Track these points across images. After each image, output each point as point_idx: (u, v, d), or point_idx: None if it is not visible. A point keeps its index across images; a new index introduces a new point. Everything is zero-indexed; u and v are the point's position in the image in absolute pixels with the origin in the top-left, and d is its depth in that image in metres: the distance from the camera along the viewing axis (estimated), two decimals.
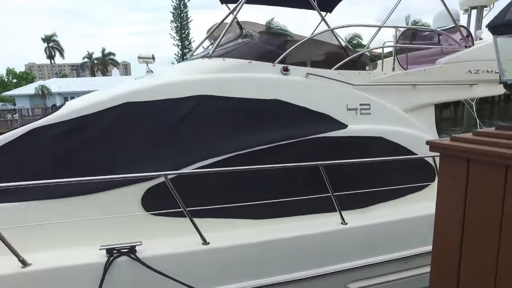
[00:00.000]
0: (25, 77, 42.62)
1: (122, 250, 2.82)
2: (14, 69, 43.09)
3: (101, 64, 61.69)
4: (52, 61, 70.15)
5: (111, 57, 62.07)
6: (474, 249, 1.63)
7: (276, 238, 3.24)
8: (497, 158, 1.44)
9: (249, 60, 3.70)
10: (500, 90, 5.02)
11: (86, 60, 66.96)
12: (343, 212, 3.53)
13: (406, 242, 3.56)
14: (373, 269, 3.56)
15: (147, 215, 3.20)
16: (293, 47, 3.87)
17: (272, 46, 4.20)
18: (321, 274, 3.38)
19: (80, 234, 3.00)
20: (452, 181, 1.68)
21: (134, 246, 2.86)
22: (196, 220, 3.09)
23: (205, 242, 3.05)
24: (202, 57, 4.01)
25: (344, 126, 3.79)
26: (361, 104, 3.94)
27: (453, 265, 1.72)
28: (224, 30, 3.83)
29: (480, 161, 1.52)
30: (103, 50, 62.23)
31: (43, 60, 71.80)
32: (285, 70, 3.74)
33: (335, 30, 4.24)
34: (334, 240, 3.43)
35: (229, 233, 3.25)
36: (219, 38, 3.82)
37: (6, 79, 41.49)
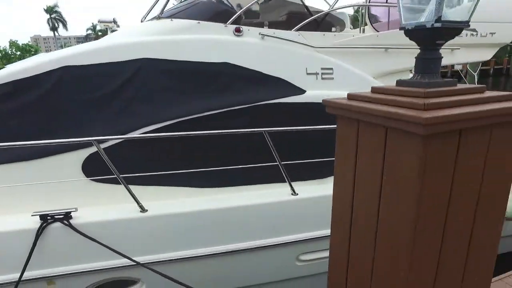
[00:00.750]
0: (28, 50, 42.27)
1: (56, 217, 2.77)
2: (17, 41, 42.66)
3: (105, 36, 60.72)
4: (56, 33, 69.44)
5: (115, 28, 60.90)
6: (358, 229, 1.47)
7: (219, 208, 3.14)
8: (377, 118, 1.23)
9: (198, 21, 3.43)
10: (484, 55, 4.61)
11: (90, 32, 66.13)
12: (301, 183, 3.38)
13: None
14: (325, 241, 3.46)
15: (88, 182, 3.12)
16: (247, 6, 3.56)
17: (226, 5, 3.89)
18: (270, 245, 3.30)
19: (17, 201, 2.94)
20: (346, 147, 1.49)
21: (69, 213, 2.80)
22: (137, 187, 3.00)
23: (143, 209, 2.98)
24: (152, 18, 3.75)
25: (301, 91, 3.55)
26: (322, 68, 3.67)
27: (345, 239, 1.57)
28: None
29: (367, 122, 1.32)
30: None
31: (48, 32, 71.15)
32: (238, 31, 3.46)
33: None
34: (284, 211, 3.32)
35: (171, 201, 3.17)
36: None
37: (9, 52, 41.24)
